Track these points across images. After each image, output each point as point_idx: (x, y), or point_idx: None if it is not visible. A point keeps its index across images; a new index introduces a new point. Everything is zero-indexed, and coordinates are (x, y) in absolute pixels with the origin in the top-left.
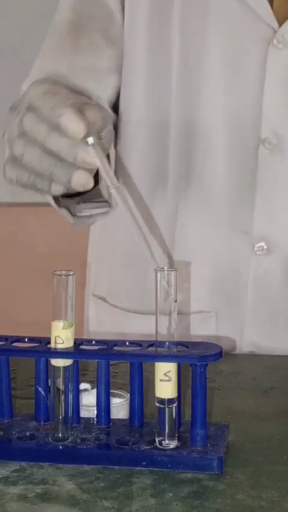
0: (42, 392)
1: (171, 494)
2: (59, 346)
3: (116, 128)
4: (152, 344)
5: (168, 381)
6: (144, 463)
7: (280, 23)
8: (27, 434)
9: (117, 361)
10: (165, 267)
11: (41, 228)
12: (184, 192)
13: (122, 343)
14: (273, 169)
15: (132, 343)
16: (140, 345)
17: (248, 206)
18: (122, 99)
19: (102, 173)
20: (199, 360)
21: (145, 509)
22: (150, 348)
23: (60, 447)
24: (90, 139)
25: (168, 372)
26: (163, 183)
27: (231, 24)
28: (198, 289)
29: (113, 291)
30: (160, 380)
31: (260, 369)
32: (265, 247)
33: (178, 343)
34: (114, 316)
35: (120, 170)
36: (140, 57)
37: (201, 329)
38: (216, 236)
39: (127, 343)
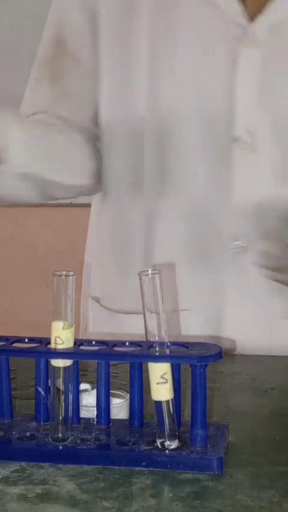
0: (42, 393)
1: (171, 495)
2: (59, 346)
3: (97, 135)
4: (152, 345)
5: (165, 383)
6: (144, 464)
7: (252, 21)
8: (27, 434)
9: (117, 361)
10: (149, 270)
11: (41, 228)
12: (160, 192)
13: (122, 343)
14: (247, 168)
15: (132, 343)
16: (140, 346)
17: (223, 205)
18: (100, 106)
19: None
20: (199, 361)
21: (145, 509)
22: (150, 349)
23: (60, 447)
24: None
25: (165, 373)
26: (140, 185)
27: (200, 25)
28: (179, 288)
29: (106, 293)
30: (157, 383)
31: (260, 369)
32: (242, 245)
33: (178, 344)
34: (109, 316)
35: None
36: (111, 64)
37: (188, 327)
38: (193, 235)
39: (127, 343)
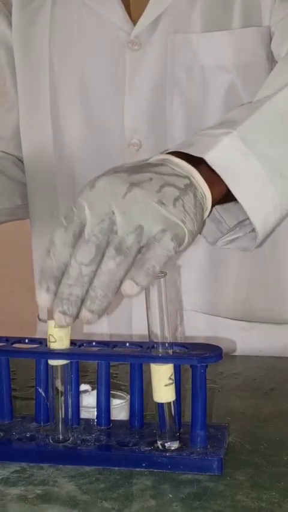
0: (43, 394)
1: (171, 496)
2: (52, 345)
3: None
4: (152, 345)
5: (172, 384)
6: (144, 464)
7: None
8: (28, 435)
9: (118, 362)
10: None
11: None
12: None
13: (122, 344)
14: None
15: (132, 344)
16: (140, 346)
17: None
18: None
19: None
20: (199, 361)
21: (145, 510)
22: (151, 349)
23: (61, 448)
24: None
25: (171, 375)
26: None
27: (89, 37)
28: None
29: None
30: (165, 385)
31: (260, 370)
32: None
33: (178, 345)
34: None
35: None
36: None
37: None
38: None
39: (127, 344)
